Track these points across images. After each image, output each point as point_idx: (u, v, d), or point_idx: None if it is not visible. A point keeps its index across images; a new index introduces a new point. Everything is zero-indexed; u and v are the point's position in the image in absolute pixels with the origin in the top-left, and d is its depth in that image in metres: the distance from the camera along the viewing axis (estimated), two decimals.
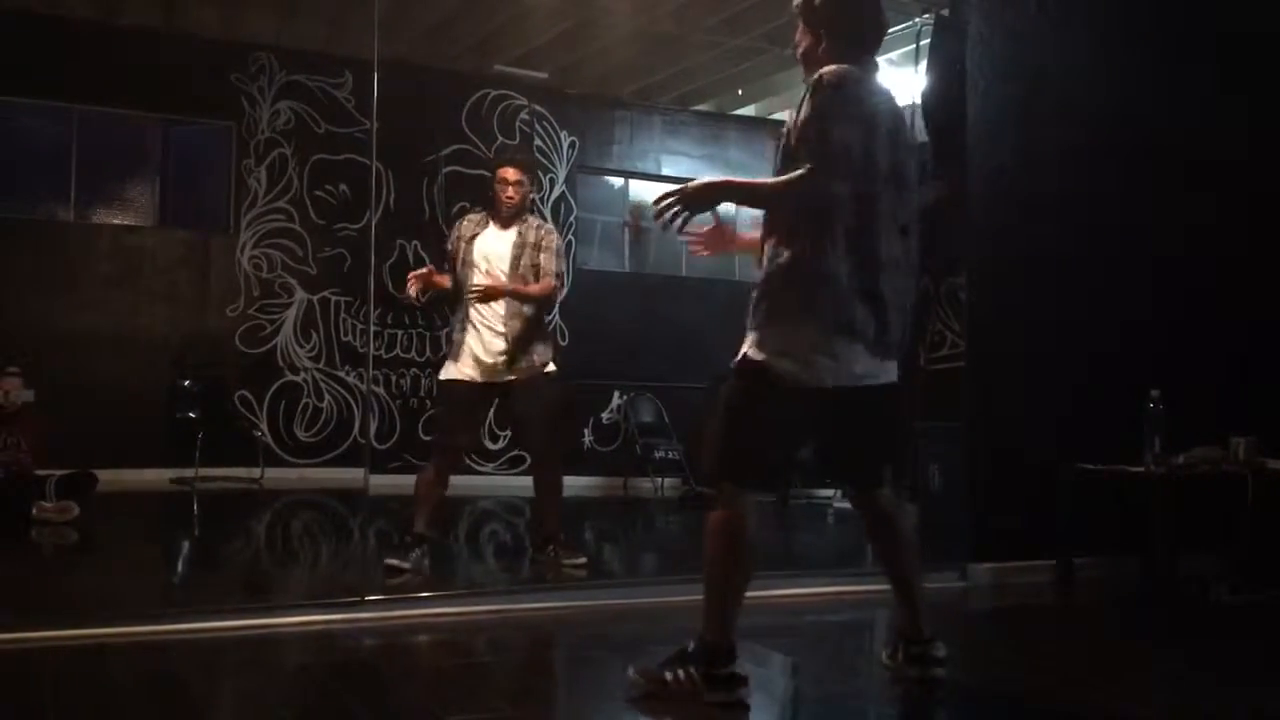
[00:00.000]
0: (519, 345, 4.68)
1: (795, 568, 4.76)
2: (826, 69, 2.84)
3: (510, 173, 4.83)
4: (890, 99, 2.96)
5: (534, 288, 4.77)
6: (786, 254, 2.86)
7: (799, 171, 2.76)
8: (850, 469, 3.11)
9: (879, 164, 2.84)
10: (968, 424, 4.97)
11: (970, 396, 4.99)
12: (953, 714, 2.95)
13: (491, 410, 5.06)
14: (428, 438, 9.61)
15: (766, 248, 2.94)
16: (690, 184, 2.84)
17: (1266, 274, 5.36)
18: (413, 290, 4.71)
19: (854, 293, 2.81)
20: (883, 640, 3.17)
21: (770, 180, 2.88)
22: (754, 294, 2.93)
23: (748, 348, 2.88)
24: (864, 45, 2.96)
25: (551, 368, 4.79)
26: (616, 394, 10.55)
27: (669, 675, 2.80)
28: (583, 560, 4.71)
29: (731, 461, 2.89)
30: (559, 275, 4.86)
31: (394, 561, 4.52)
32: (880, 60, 3.04)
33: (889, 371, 2.97)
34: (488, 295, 4.66)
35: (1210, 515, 4.63)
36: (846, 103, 2.79)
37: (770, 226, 2.94)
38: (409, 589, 4.28)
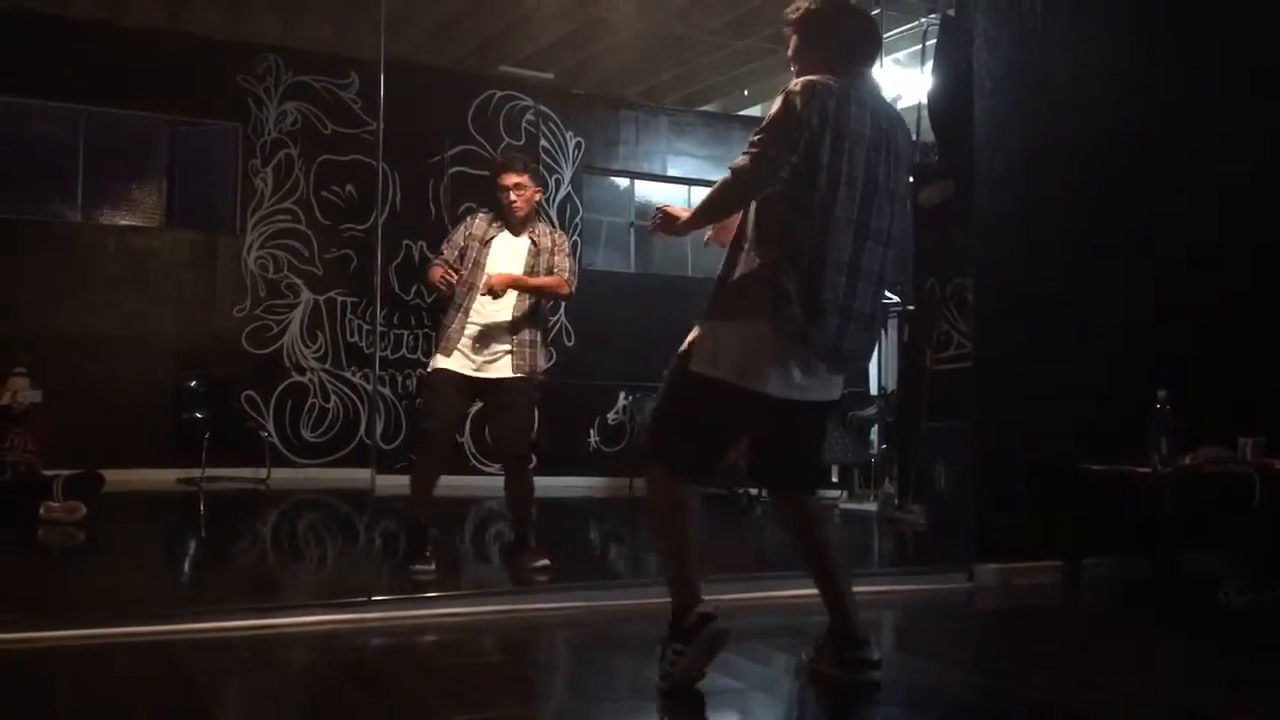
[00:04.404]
0: (519, 347, 4.66)
1: (799, 568, 4.74)
2: (796, 80, 2.87)
3: (509, 177, 4.75)
4: (877, 110, 2.93)
5: (545, 280, 4.72)
6: (743, 258, 2.87)
7: (738, 157, 2.83)
8: (781, 475, 3.14)
9: (852, 172, 2.82)
10: (974, 424, 4.97)
11: (976, 396, 4.98)
12: (957, 714, 2.95)
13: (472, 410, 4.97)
14: None
15: (728, 251, 2.96)
16: (664, 219, 3.03)
17: (1273, 273, 5.35)
18: (452, 279, 4.66)
19: (810, 303, 2.78)
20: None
21: (717, 184, 2.93)
22: (711, 294, 2.93)
23: (693, 336, 2.90)
24: (845, 61, 2.94)
25: (541, 377, 4.77)
26: (622, 394, 10.56)
27: (667, 663, 2.82)
28: (545, 563, 4.61)
29: (664, 446, 2.95)
30: (572, 273, 4.81)
31: (420, 567, 4.51)
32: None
33: (835, 387, 2.99)
34: (498, 285, 4.58)
35: (1217, 516, 4.61)
36: (799, 97, 2.80)
37: (737, 230, 2.96)
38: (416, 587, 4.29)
